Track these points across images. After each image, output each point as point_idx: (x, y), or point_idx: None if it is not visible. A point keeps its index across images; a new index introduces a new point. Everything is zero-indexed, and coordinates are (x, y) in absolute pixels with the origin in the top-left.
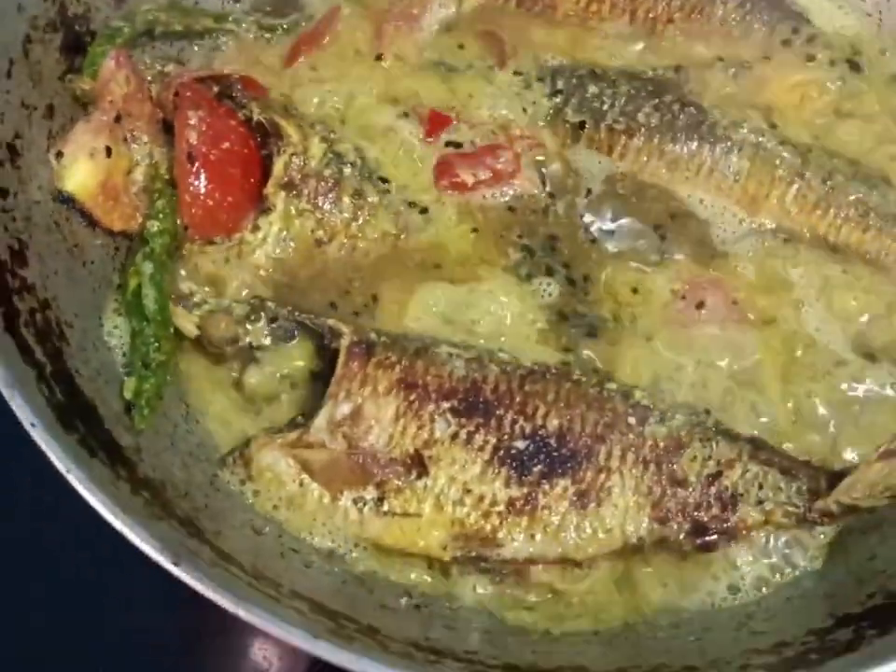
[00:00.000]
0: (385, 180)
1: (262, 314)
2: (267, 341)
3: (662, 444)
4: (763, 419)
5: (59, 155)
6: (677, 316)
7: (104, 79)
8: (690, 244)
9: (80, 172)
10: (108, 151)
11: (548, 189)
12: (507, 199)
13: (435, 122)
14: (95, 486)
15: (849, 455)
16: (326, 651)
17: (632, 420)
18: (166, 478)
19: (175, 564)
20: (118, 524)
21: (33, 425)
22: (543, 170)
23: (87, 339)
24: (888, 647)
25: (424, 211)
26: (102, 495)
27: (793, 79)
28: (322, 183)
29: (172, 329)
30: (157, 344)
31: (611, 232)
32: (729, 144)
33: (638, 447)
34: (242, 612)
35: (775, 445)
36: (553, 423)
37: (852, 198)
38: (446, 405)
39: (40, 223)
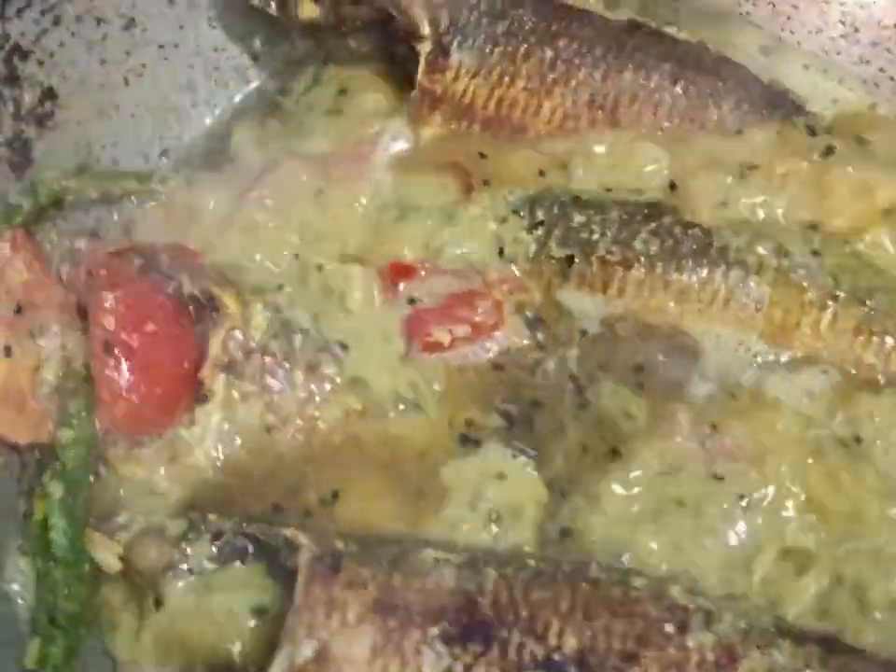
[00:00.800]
0: (344, 346)
1: (203, 529)
2: (210, 564)
3: (711, 658)
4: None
5: None
6: None
7: None
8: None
9: None
10: (8, 351)
11: (539, 338)
12: (491, 354)
13: (398, 274)
14: None
15: None
16: None
17: (670, 628)
18: None
19: None
20: None
21: None
22: (529, 315)
23: None
24: None
25: (396, 380)
26: None
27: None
28: (269, 358)
29: (88, 566)
30: (67, 591)
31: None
32: (745, 267)
33: (682, 665)
34: None
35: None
36: (571, 642)
37: None
38: (435, 631)
39: None
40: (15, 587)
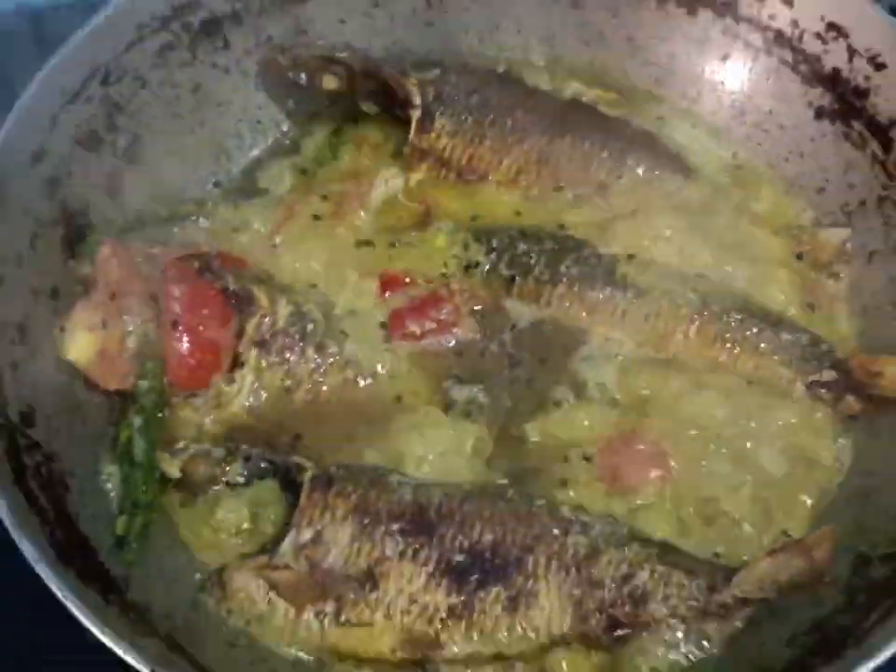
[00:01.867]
0: (344, 333)
1: (237, 455)
2: (241, 479)
3: (582, 552)
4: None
5: (62, 329)
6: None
7: (100, 265)
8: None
9: (80, 343)
10: (104, 324)
11: (485, 332)
12: (452, 344)
13: (388, 282)
14: (87, 608)
15: None
16: None
17: (556, 531)
18: (151, 601)
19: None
20: (104, 638)
21: (37, 562)
22: (479, 316)
23: (86, 485)
24: None
25: (379, 359)
26: (92, 615)
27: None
28: (288, 339)
29: (157, 473)
30: (144, 487)
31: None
32: (638, 290)
33: (562, 555)
34: None
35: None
36: (488, 538)
37: (748, 332)
38: (395, 527)
39: (46, 389)
40: (108, 485)
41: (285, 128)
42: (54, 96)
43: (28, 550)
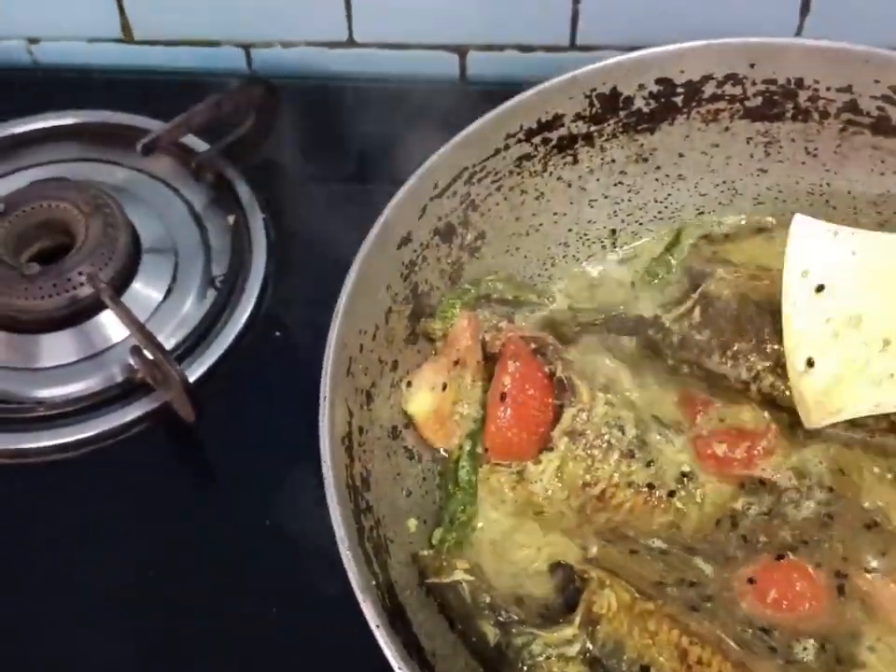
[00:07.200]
0: (646, 445)
1: None
2: None
3: None
4: None
5: (409, 384)
6: None
7: (455, 333)
8: None
9: (421, 400)
10: (444, 387)
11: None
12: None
13: (693, 403)
14: None
15: None
16: None
17: None
18: None
19: None
20: None
21: (377, 626)
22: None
23: (401, 553)
24: None
25: (679, 480)
26: None
27: None
28: (598, 439)
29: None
30: (462, 507)
31: None
32: None
33: None
34: None
35: None
36: None
37: None
38: None
39: (379, 455)
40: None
41: (610, 244)
42: (428, 189)
43: (370, 614)
